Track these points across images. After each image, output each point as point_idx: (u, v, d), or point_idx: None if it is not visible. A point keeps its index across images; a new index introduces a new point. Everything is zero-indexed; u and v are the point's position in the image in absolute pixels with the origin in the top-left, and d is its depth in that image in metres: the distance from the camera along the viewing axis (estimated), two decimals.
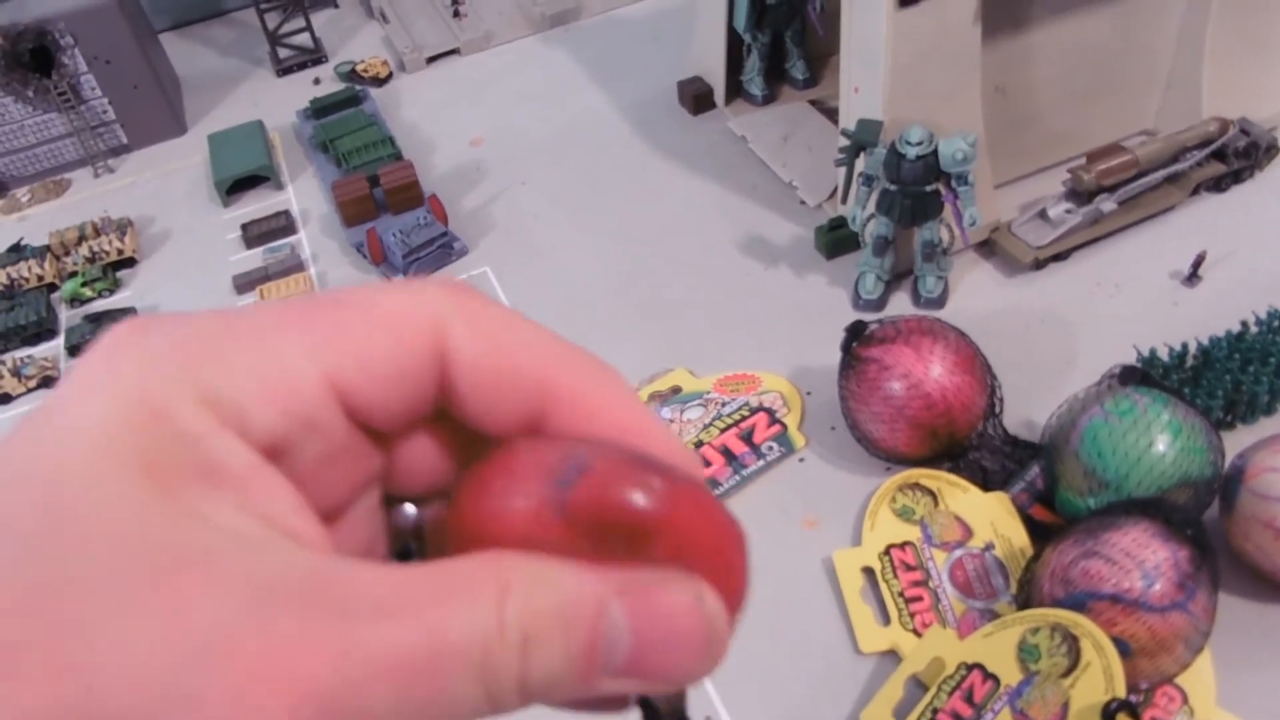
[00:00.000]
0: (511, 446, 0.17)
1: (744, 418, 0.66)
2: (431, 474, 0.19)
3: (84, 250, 0.89)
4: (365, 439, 0.17)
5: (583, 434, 0.17)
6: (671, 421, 0.66)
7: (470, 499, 0.17)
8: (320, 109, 1.00)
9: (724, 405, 0.67)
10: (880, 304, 0.72)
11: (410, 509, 0.19)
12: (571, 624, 0.15)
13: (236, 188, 0.95)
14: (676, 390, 0.69)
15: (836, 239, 0.76)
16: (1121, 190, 0.73)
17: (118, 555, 0.14)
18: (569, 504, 0.16)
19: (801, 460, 0.64)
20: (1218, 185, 0.76)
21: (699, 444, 0.64)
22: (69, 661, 0.13)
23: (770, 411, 0.66)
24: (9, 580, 0.14)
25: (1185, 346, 0.63)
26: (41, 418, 0.15)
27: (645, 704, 0.17)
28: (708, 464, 0.63)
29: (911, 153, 0.66)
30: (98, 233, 0.91)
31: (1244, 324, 0.64)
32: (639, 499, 0.16)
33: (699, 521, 0.17)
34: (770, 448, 0.64)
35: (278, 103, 1.05)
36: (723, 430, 0.65)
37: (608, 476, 0.16)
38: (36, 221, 0.96)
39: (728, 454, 0.64)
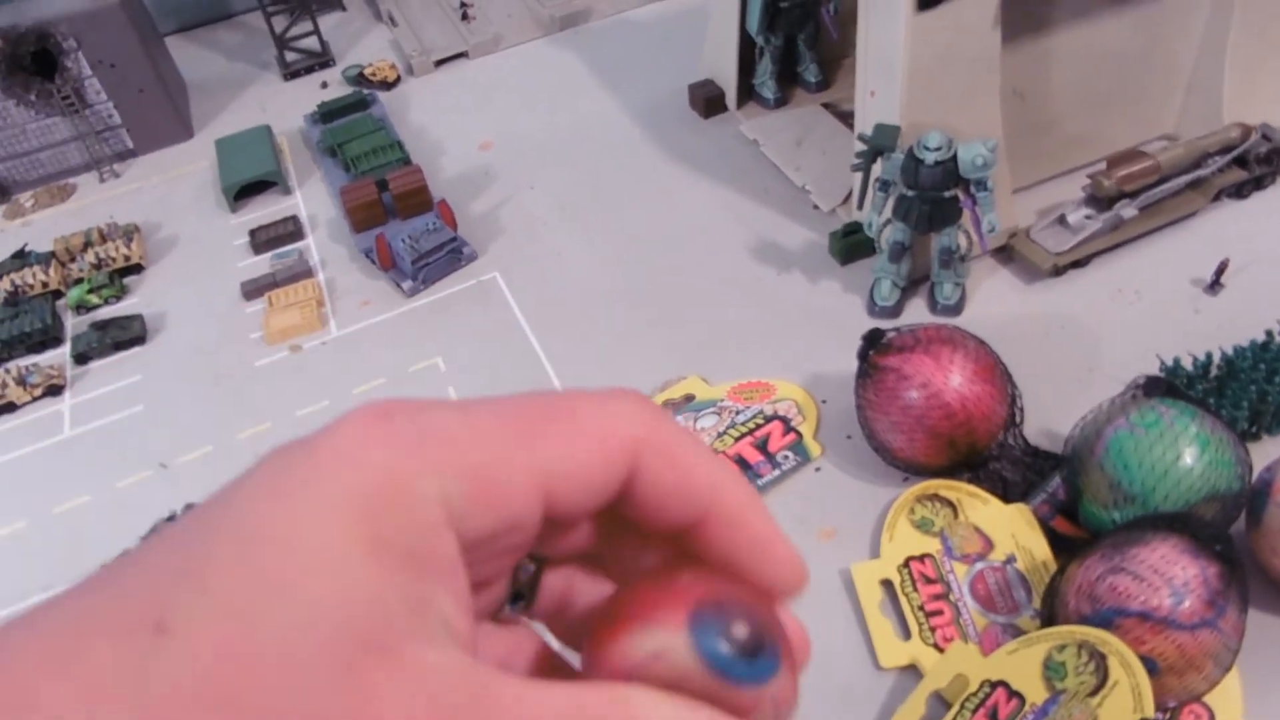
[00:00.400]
0: (661, 581, 0.19)
1: (758, 426, 0.65)
2: (571, 545, 0.21)
3: (90, 256, 0.88)
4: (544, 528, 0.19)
5: (731, 548, 0.20)
6: None
7: (618, 621, 0.19)
8: (328, 113, 1.00)
9: (738, 413, 0.66)
10: (896, 311, 0.71)
11: (530, 564, 0.21)
12: None
13: (244, 193, 0.94)
14: (690, 398, 0.68)
15: (851, 244, 0.75)
16: (1143, 196, 0.72)
17: (323, 630, 0.15)
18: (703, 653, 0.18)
19: (818, 470, 0.63)
20: (1239, 191, 0.75)
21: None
22: None
23: (785, 420, 0.65)
24: (223, 639, 0.15)
25: (1209, 356, 0.61)
26: (288, 476, 0.16)
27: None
28: None
29: (930, 158, 0.65)
30: (104, 239, 0.90)
31: (1269, 333, 0.63)
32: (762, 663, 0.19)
33: (793, 680, 0.20)
34: (785, 457, 0.63)
35: (285, 107, 1.05)
36: (737, 439, 0.64)
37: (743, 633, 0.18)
38: (41, 227, 0.96)
39: (742, 463, 0.63)
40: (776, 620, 0.20)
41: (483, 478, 0.17)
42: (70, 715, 0.14)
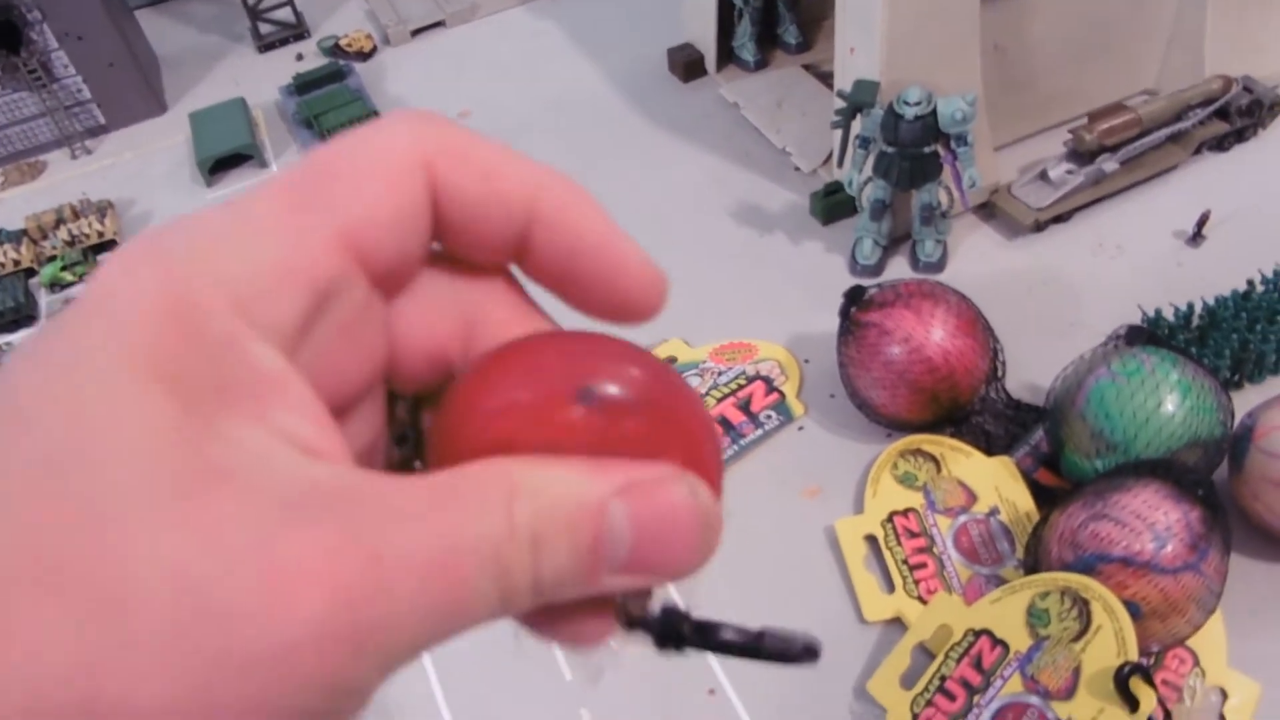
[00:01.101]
0: (509, 346, 0.17)
1: (741, 386, 0.64)
2: (429, 368, 0.19)
3: (62, 234, 0.87)
4: (378, 301, 0.17)
5: (568, 257, 0.18)
6: None
7: (473, 394, 0.17)
8: (303, 85, 0.98)
9: (720, 374, 0.66)
10: (878, 269, 0.71)
11: (404, 401, 0.19)
12: (576, 525, 0.16)
13: (220, 167, 0.93)
14: (672, 360, 0.67)
15: (832, 204, 0.75)
16: (1124, 150, 0.71)
17: (143, 477, 0.14)
18: (572, 407, 0.16)
19: (801, 429, 0.63)
20: (1220, 144, 0.75)
21: None
22: (103, 578, 0.13)
23: (768, 380, 0.65)
24: (36, 505, 0.14)
25: (1191, 306, 0.61)
26: (57, 336, 0.15)
27: (641, 621, 0.18)
28: None
29: (909, 113, 0.64)
30: (76, 215, 0.89)
31: (1250, 283, 0.62)
32: (631, 394, 0.16)
33: (686, 415, 0.17)
34: (769, 416, 0.63)
35: (260, 79, 1.03)
36: (720, 400, 0.64)
37: (609, 379, 0.16)
38: (11, 205, 0.94)
39: (725, 424, 0.62)
40: (655, 377, 0.17)
41: (277, 257, 0.15)
42: None
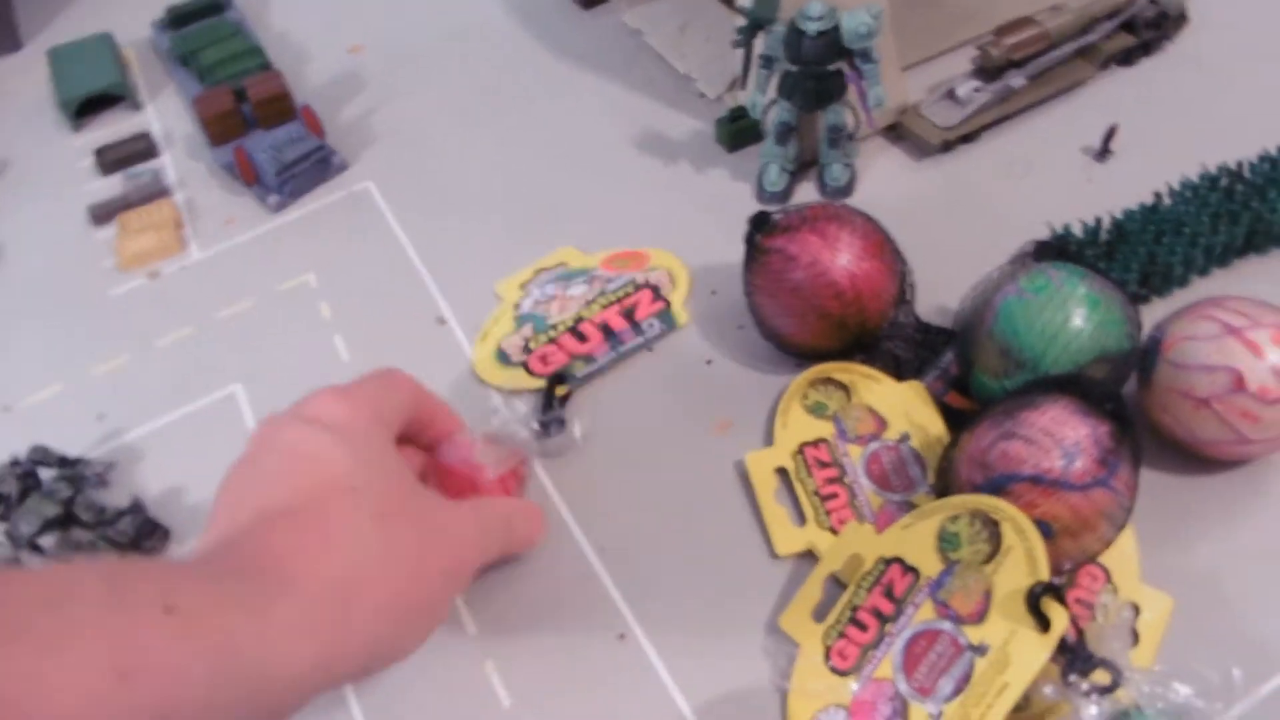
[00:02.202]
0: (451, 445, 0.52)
1: (628, 294, 0.63)
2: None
3: None
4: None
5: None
6: (554, 298, 0.64)
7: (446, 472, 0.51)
8: (178, 18, 0.91)
9: (609, 282, 0.64)
10: (785, 195, 0.69)
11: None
12: (509, 523, 0.50)
13: (86, 109, 0.86)
14: (562, 265, 0.65)
15: (737, 130, 0.72)
16: (1031, 65, 0.70)
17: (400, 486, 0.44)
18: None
19: (709, 363, 0.60)
20: (1127, 58, 0.73)
21: (579, 320, 0.62)
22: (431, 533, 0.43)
23: (655, 288, 0.63)
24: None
25: (1099, 221, 0.60)
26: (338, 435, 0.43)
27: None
28: (585, 339, 0.61)
29: (812, 28, 0.61)
30: None
31: (1157, 195, 0.62)
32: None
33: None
34: (651, 325, 0.61)
35: (129, 13, 0.96)
36: (605, 307, 0.62)
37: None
38: None
39: (606, 330, 0.61)
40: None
41: (389, 422, 0.46)
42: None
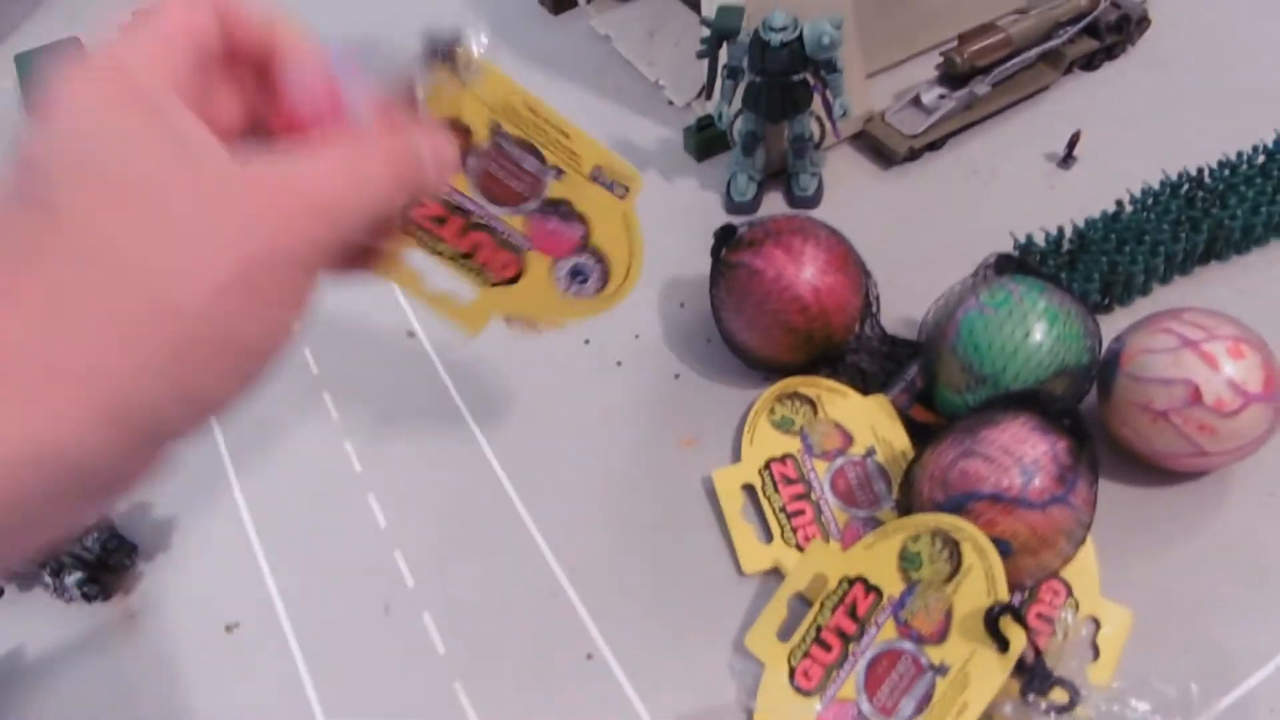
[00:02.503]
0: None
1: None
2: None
3: None
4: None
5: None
6: None
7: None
8: None
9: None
10: (754, 206, 0.69)
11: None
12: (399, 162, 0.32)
13: None
14: None
15: (706, 139, 0.72)
16: (995, 71, 0.70)
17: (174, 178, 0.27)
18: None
19: (677, 377, 0.61)
20: (1090, 62, 0.74)
21: None
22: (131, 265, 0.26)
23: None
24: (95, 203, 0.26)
25: (1061, 230, 0.61)
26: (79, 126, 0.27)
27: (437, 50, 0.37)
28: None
29: (775, 39, 0.61)
30: None
31: (1119, 203, 0.62)
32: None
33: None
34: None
35: (100, 16, 0.94)
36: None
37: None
38: None
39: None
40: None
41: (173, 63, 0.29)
42: None
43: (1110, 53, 0.74)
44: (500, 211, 0.42)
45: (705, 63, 0.67)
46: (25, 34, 0.95)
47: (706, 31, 0.64)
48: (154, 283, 0.25)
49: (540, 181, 0.41)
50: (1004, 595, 0.43)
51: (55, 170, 0.25)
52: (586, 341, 0.63)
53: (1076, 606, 0.47)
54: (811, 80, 0.64)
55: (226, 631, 0.52)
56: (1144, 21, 0.74)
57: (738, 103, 0.66)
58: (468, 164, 0.41)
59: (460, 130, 0.41)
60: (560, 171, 0.41)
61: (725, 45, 0.64)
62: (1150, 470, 0.52)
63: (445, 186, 0.38)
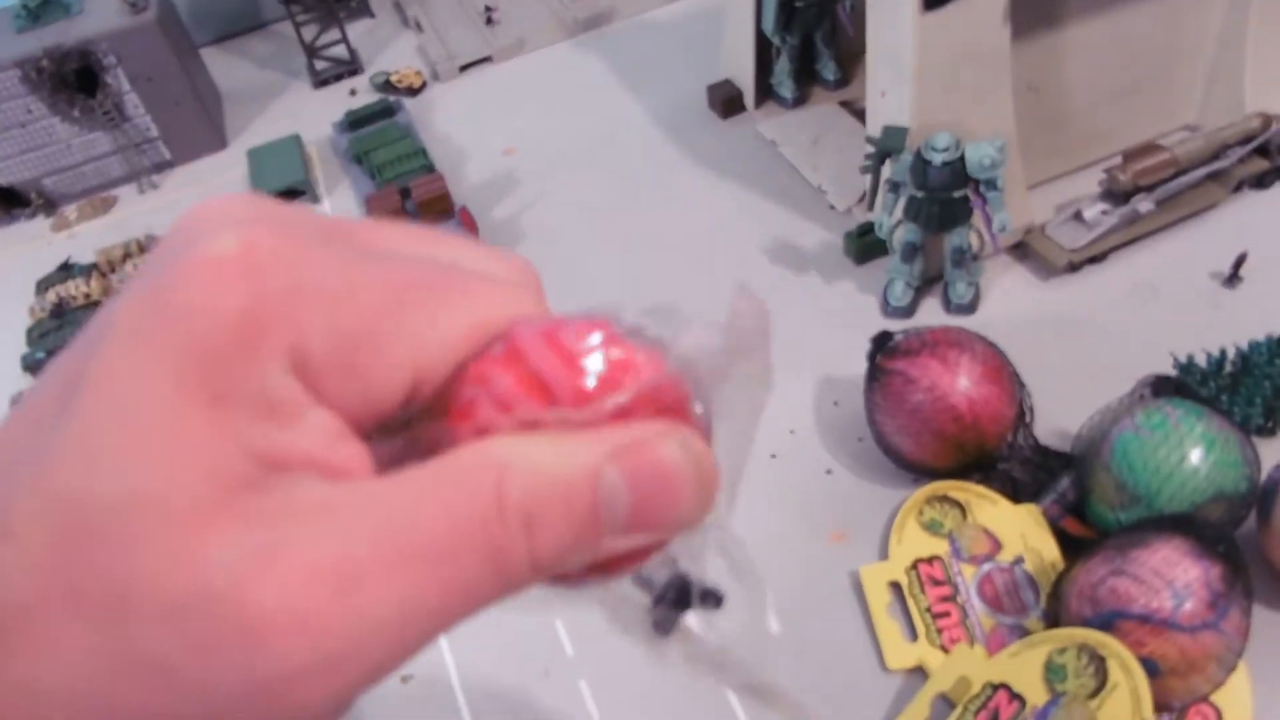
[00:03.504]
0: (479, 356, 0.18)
1: None
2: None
3: (129, 267, 0.91)
4: None
5: None
6: None
7: (458, 395, 0.18)
8: (355, 121, 1.02)
9: None
10: (910, 311, 0.72)
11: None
12: (571, 496, 0.16)
13: None
14: None
15: (866, 244, 0.75)
16: (1159, 189, 0.71)
17: (149, 509, 0.15)
18: (544, 374, 0.17)
19: (829, 472, 0.64)
20: (1260, 182, 0.74)
21: None
22: (114, 600, 0.15)
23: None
24: (60, 549, 0.15)
25: (1224, 352, 0.61)
26: (132, 333, 0.16)
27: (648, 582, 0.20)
28: None
29: (938, 159, 0.65)
30: (143, 250, 0.93)
31: None
32: (613, 355, 0.18)
33: (658, 371, 0.18)
34: None
35: (315, 115, 1.07)
36: None
37: (578, 349, 0.18)
38: (84, 239, 0.99)
39: None
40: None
41: (348, 347, 0.17)
42: None
43: None
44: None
45: (864, 174, 0.71)
46: (255, 131, 1.08)
47: (870, 149, 0.69)
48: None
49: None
50: (1149, 714, 0.44)
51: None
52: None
53: None
54: (972, 196, 0.67)
55: (402, 682, 0.58)
56: None
57: (898, 213, 0.70)
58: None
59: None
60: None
61: (888, 161, 0.68)
62: None
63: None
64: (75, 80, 0.98)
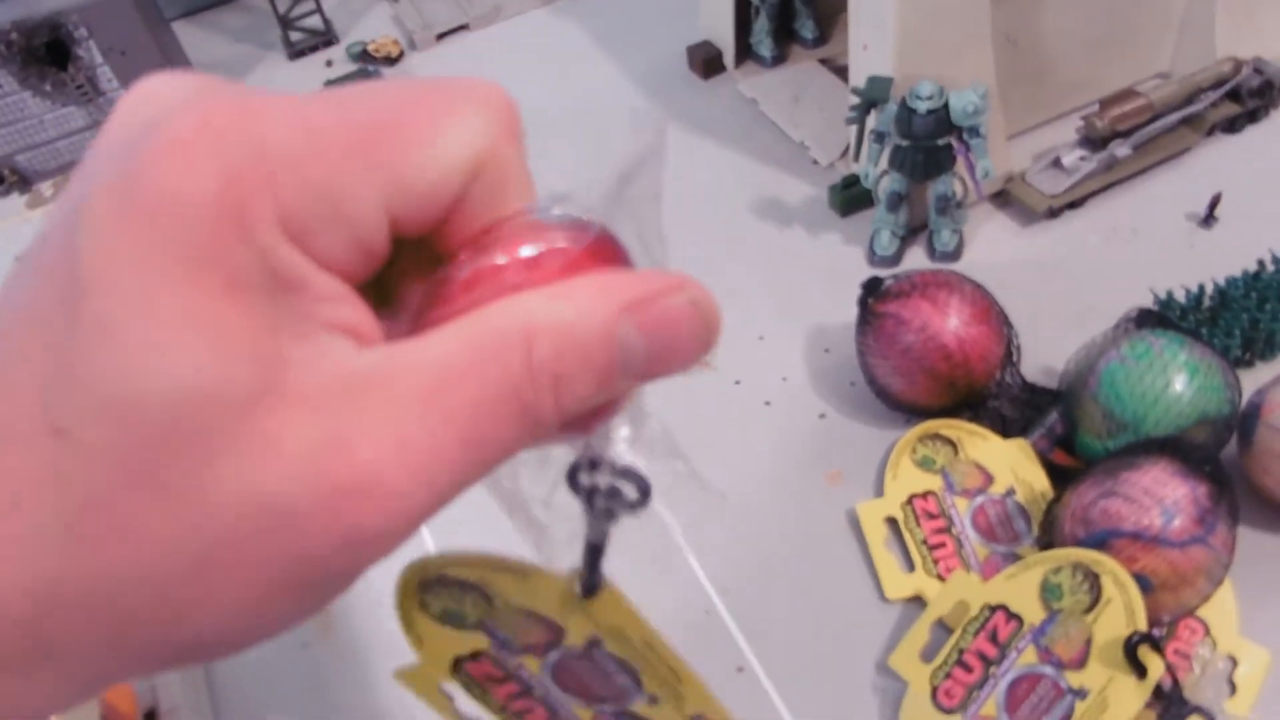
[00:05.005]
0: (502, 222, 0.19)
1: None
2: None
3: None
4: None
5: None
6: None
7: (474, 259, 0.19)
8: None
9: None
10: (896, 260, 0.73)
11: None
12: (591, 353, 0.18)
13: None
14: None
15: (850, 197, 0.77)
16: (1136, 135, 0.73)
17: (219, 385, 0.16)
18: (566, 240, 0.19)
19: (823, 416, 0.65)
20: (1232, 126, 0.76)
21: None
22: (192, 497, 0.16)
23: None
24: (123, 416, 0.16)
25: (1201, 288, 0.63)
26: (120, 230, 0.16)
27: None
28: None
29: (922, 107, 0.66)
30: None
31: (1260, 263, 0.64)
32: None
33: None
34: None
35: (291, 87, 1.06)
36: None
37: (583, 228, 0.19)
38: None
39: None
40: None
41: (329, 204, 0.17)
42: (5, 526, 0.16)
43: (1253, 116, 0.76)
44: (567, 699, 0.33)
45: (849, 125, 0.72)
46: None
47: (855, 100, 0.70)
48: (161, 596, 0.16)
49: (627, 695, 0.32)
50: (1143, 627, 0.46)
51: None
52: (737, 382, 0.68)
53: (1214, 644, 0.49)
54: (955, 143, 0.68)
55: None
56: None
57: (883, 164, 0.71)
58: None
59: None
60: (655, 699, 0.33)
61: (873, 112, 0.69)
62: None
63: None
64: (46, 53, 0.97)
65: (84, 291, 0.16)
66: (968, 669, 0.48)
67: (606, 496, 0.21)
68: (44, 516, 0.16)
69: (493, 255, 0.19)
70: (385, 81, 0.19)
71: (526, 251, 0.19)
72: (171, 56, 1.05)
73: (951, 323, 0.59)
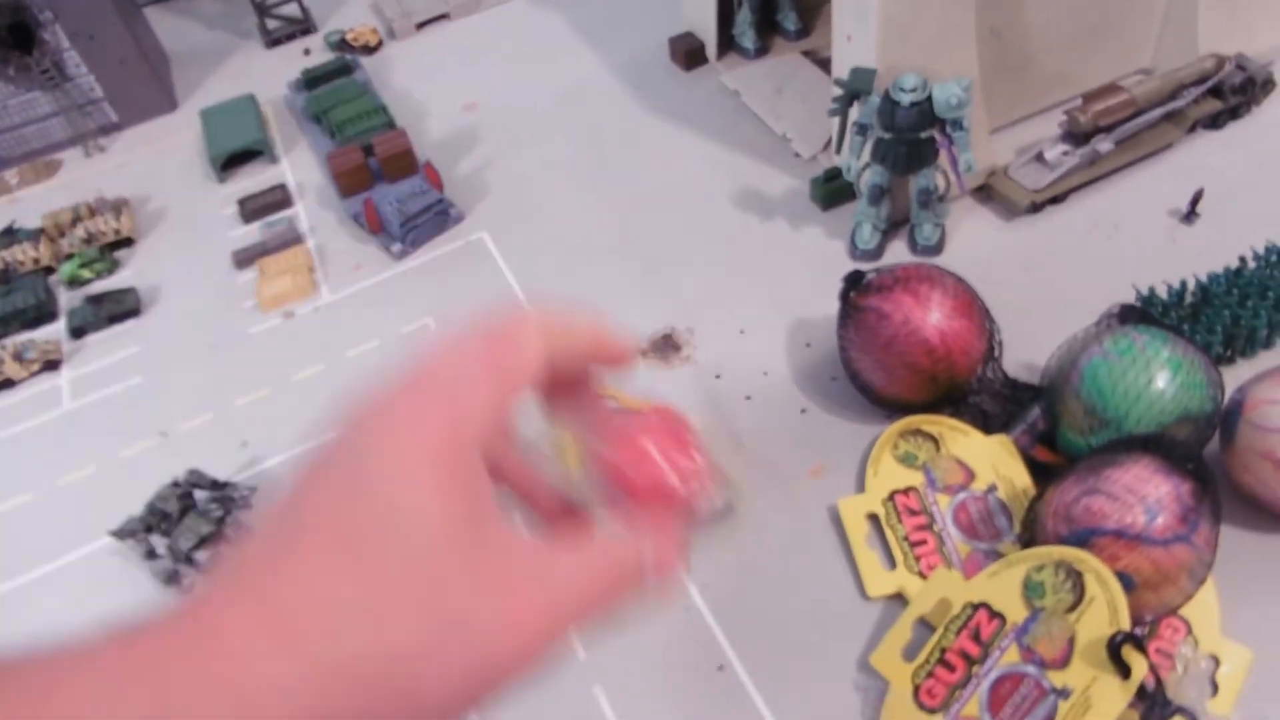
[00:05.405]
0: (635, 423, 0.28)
1: None
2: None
3: (80, 231, 0.89)
4: None
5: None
6: None
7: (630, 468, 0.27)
8: (311, 80, 1.00)
9: None
10: (877, 253, 0.72)
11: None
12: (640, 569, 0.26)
13: (231, 163, 0.95)
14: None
15: (832, 190, 0.76)
16: (1118, 130, 0.72)
17: (445, 556, 0.24)
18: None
19: (804, 411, 0.64)
20: (1214, 122, 0.76)
21: None
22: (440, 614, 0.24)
23: None
24: (380, 561, 0.24)
25: (1184, 284, 0.63)
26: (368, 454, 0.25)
27: None
28: None
29: (905, 99, 0.65)
30: (93, 213, 0.91)
31: (1242, 259, 0.64)
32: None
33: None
34: None
35: (268, 75, 1.05)
36: None
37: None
38: (28, 204, 0.96)
39: None
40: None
41: (491, 412, 0.25)
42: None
43: (1235, 113, 0.76)
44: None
45: (832, 117, 0.71)
46: (207, 91, 1.06)
47: (838, 90, 0.69)
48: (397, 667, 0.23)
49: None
50: (1126, 626, 0.45)
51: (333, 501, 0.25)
52: (718, 376, 0.67)
53: (1196, 643, 0.49)
54: (938, 136, 0.68)
55: None
56: (1269, 84, 0.76)
57: (866, 156, 0.70)
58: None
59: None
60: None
61: (856, 103, 0.68)
62: (1272, 516, 0.53)
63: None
64: (9, 37, 0.95)
65: (368, 458, 0.25)
66: (950, 668, 0.48)
67: None
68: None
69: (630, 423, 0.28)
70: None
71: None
72: (143, 43, 1.03)
73: (933, 316, 0.58)
